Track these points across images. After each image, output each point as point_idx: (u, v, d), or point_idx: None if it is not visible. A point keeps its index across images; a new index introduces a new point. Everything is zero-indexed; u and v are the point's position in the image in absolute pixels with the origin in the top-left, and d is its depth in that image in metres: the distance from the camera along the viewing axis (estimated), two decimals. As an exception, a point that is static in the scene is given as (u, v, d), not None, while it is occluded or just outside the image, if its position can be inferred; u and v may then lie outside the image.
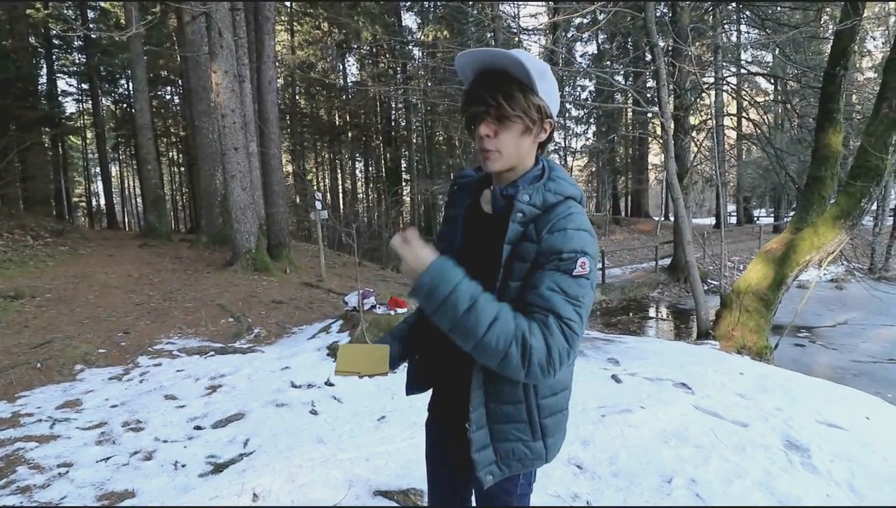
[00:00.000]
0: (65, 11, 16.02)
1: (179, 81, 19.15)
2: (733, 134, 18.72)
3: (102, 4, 17.81)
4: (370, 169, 29.98)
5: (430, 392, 1.26)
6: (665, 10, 12.82)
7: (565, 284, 0.91)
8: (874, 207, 12.97)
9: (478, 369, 1.01)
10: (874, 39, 18.90)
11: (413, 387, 1.26)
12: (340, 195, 28.81)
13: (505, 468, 1.05)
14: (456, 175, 1.23)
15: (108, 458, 2.80)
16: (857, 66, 15.04)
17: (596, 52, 25.48)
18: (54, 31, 15.57)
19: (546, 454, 1.08)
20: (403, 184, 25.68)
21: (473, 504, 1.27)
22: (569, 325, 0.88)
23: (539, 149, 1.06)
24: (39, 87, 15.26)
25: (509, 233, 0.97)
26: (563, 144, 28.17)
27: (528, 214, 0.98)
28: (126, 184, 29.29)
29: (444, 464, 1.26)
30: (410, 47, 22.84)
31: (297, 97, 25.78)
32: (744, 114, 15.56)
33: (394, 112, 26.82)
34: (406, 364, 1.29)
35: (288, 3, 21.07)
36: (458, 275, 0.88)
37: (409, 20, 24.69)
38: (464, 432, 1.05)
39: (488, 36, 14.06)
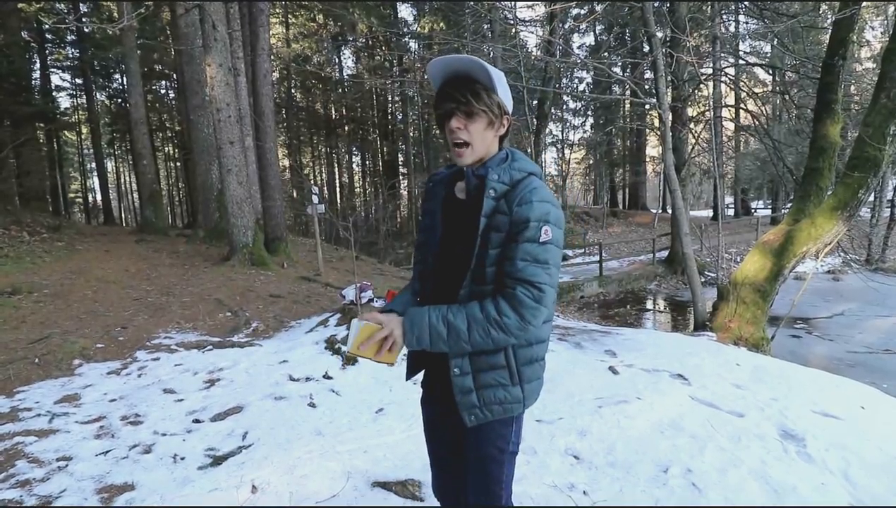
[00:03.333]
0: (57, 5, 15.84)
1: (174, 75, 19.01)
2: (731, 125, 18.66)
3: (95, -3, 17.60)
4: (367, 162, 29.90)
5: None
6: (663, 0, 12.74)
7: (534, 252, 1.09)
8: (871, 198, 13.00)
9: None
10: (873, 29, 18.82)
11: (413, 371, 1.37)
12: (337, 189, 28.73)
13: (487, 412, 1.18)
14: (431, 175, 1.38)
15: (107, 452, 2.80)
16: (856, 56, 14.99)
17: (593, 42, 25.35)
18: (47, 25, 15.41)
19: (524, 398, 1.20)
20: (400, 177, 25.61)
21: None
22: (538, 287, 1.08)
23: (500, 142, 1.21)
24: (33, 82, 15.12)
25: (485, 208, 1.12)
26: (560, 137, 28.10)
27: (499, 190, 1.14)
28: (122, 180, 29.11)
29: (441, 438, 1.36)
30: (406, 39, 22.71)
31: (293, 90, 25.60)
32: (742, 106, 15.50)
33: (390, 105, 26.70)
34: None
35: (282, -4, 20.85)
36: (423, 312, 1.11)
37: (405, 12, 24.50)
38: (454, 404, 1.17)
39: (485, 27, 13.98)
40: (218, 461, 2.65)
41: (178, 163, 25.59)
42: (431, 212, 1.28)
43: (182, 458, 2.70)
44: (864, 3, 7.41)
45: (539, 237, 1.08)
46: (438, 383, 1.26)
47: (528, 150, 12.65)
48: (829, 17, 8.96)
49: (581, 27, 22.25)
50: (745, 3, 10.85)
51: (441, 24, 18.06)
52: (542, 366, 1.25)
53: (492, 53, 11.74)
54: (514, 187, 1.13)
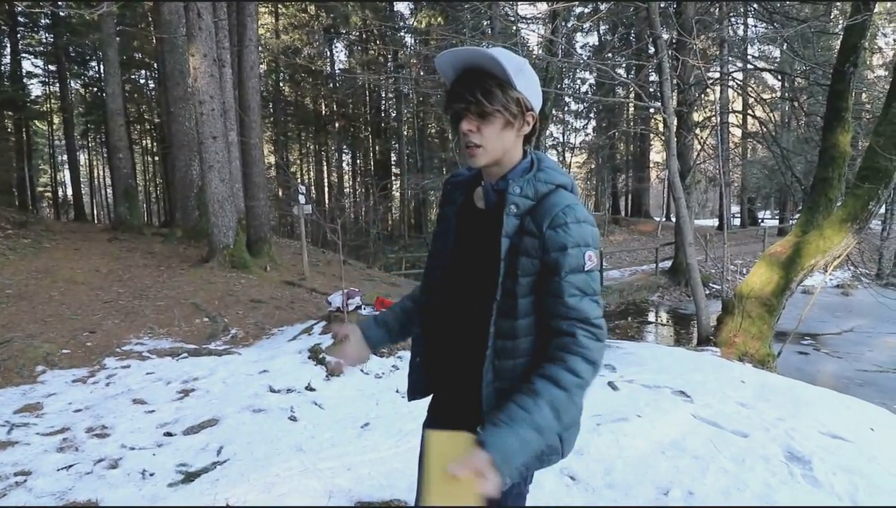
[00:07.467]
0: (31, -13, 15.75)
1: (154, 65, 18.94)
2: (738, 132, 18.96)
3: (72, -20, 17.51)
4: (358, 162, 29.90)
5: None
6: (670, 1, 12.92)
7: (583, 284, 1.01)
8: (882, 210, 13.18)
9: (488, 366, 1.06)
10: (885, 36, 19.20)
11: (416, 393, 1.28)
12: (326, 189, 28.68)
13: (524, 469, 1.07)
14: (450, 174, 1.29)
15: (70, 466, 2.75)
16: (868, 63, 15.26)
17: (597, 43, 25.62)
18: (19, 8, 15.29)
19: (563, 448, 1.12)
20: (393, 178, 25.63)
21: None
22: (596, 324, 1.02)
23: (526, 143, 1.12)
24: (2, 68, 15.02)
25: (506, 227, 1.03)
26: (561, 140, 28.30)
27: (522, 206, 1.04)
28: (95, 174, 28.90)
29: None
30: (402, 34, 22.83)
31: (281, 84, 25.58)
32: (749, 112, 15.68)
33: (384, 102, 26.78)
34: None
35: (272, -16, 20.89)
36: (506, 437, 0.94)
37: (402, 5, 24.69)
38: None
39: (485, 24, 14.08)
40: (190, 477, 2.61)
41: (157, 158, 25.44)
42: (447, 218, 1.21)
43: (151, 474, 2.66)
44: (877, 10, 7.55)
45: (584, 265, 1.01)
46: (450, 410, 1.20)
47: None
48: (841, 22, 9.12)
49: (584, 26, 22.46)
50: (755, 6, 11.02)
51: (439, 20, 18.19)
52: (579, 410, 1.16)
53: (491, 51, 11.78)
54: (540, 202, 1.04)
